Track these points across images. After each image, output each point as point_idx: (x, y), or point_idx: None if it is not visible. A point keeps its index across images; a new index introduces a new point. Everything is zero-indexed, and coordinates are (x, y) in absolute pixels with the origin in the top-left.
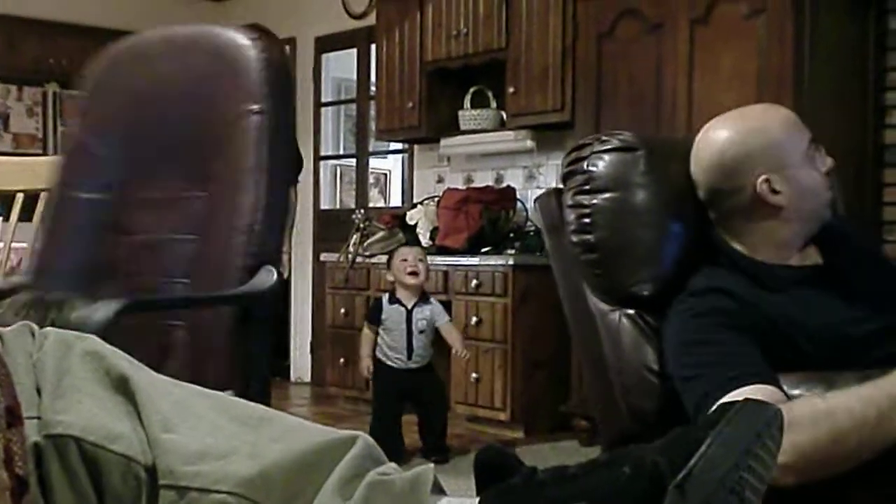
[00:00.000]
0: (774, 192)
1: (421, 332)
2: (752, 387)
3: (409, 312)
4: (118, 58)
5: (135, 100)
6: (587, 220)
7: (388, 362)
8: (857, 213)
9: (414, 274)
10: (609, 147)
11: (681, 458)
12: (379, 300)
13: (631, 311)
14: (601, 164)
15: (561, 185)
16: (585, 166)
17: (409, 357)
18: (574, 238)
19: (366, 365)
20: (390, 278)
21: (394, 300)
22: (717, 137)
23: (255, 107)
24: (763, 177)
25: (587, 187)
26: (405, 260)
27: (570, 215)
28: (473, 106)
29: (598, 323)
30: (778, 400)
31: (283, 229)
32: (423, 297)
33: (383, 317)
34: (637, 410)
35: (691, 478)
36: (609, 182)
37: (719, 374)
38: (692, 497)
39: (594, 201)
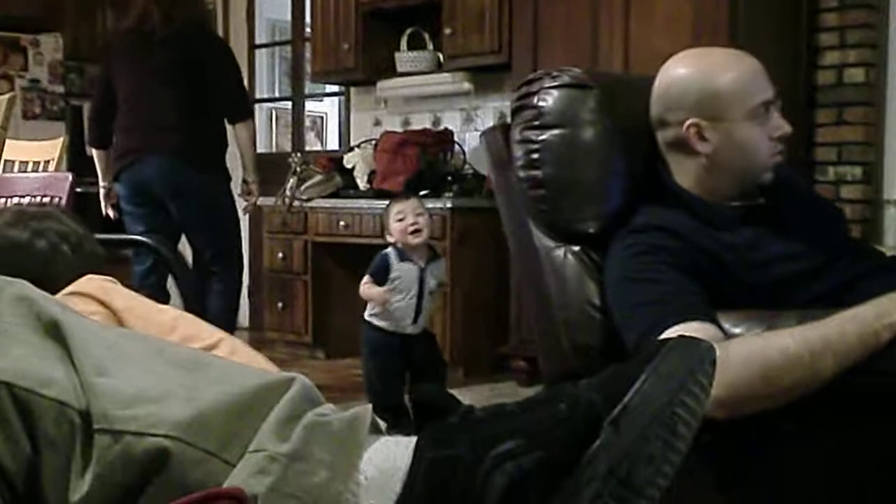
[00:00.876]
0: (702, 138)
1: (430, 292)
2: (690, 324)
3: (423, 271)
4: None
5: None
6: (535, 156)
7: (390, 328)
8: (790, 155)
9: (418, 232)
10: (559, 83)
11: (616, 395)
12: (385, 257)
13: (576, 248)
14: (550, 100)
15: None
16: (535, 101)
17: (415, 321)
18: (521, 174)
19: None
20: (390, 238)
21: (405, 257)
22: (670, 70)
23: None
24: (692, 120)
25: (536, 123)
26: (402, 219)
27: (518, 151)
28: (410, 48)
29: (542, 259)
30: (715, 337)
31: None
32: (434, 253)
33: (392, 276)
34: (580, 346)
35: (626, 413)
36: (558, 118)
37: (659, 312)
38: (627, 432)
39: (542, 137)
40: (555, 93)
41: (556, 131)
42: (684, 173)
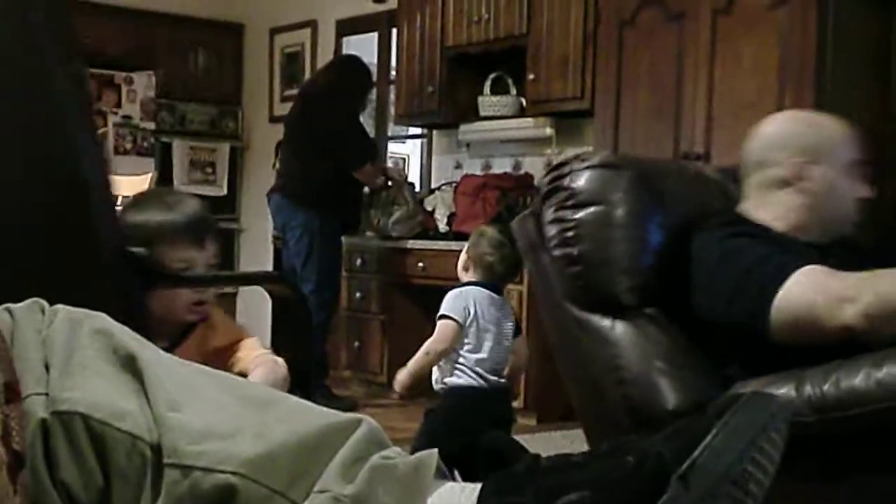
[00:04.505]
0: (803, 178)
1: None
2: (805, 268)
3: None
4: None
5: None
6: (570, 234)
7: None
8: (878, 205)
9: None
10: (591, 164)
11: (685, 449)
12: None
13: (624, 316)
14: (583, 180)
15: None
16: (567, 182)
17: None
18: (556, 252)
19: None
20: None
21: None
22: (776, 117)
23: None
24: (798, 159)
25: (570, 202)
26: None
27: (552, 230)
28: (493, 92)
29: (583, 330)
30: (837, 276)
31: None
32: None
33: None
34: (636, 403)
35: (695, 469)
36: (591, 196)
37: (769, 269)
38: (695, 488)
39: (577, 216)
40: (586, 173)
41: (590, 209)
42: (773, 210)
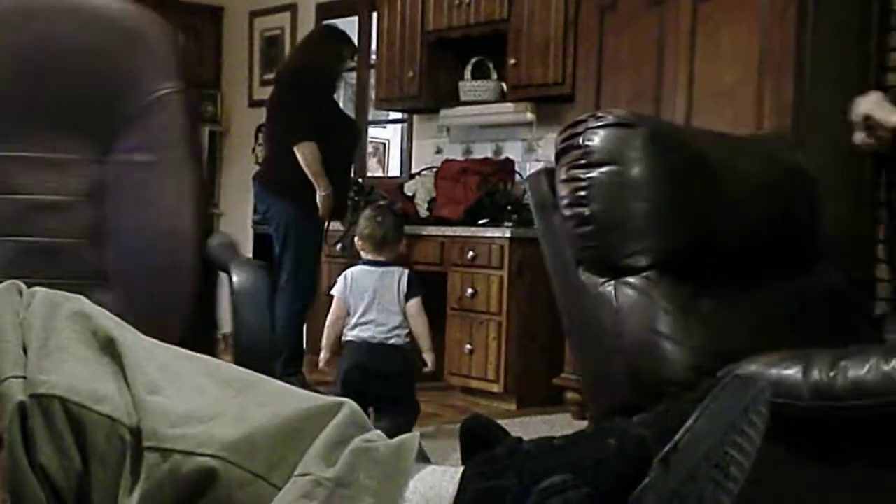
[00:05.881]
0: None
1: None
2: None
3: None
4: None
5: (5, 58)
6: (582, 194)
7: None
8: (854, 195)
9: None
10: (605, 123)
11: (666, 432)
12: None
13: (630, 280)
14: (597, 139)
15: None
16: (581, 141)
17: None
18: (567, 212)
19: None
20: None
21: None
22: None
23: (172, 86)
24: None
25: (583, 161)
26: None
27: (564, 190)
28: (474, 77)
29: (591, 294)
30: None
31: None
32: None
33: None
34: (637, 372)
35: (676, 452)
36: (605, 156)
37: None
38: (676, 471)
39: (590, 175)
40: (601, 132)
41: (603, 169)
42: None
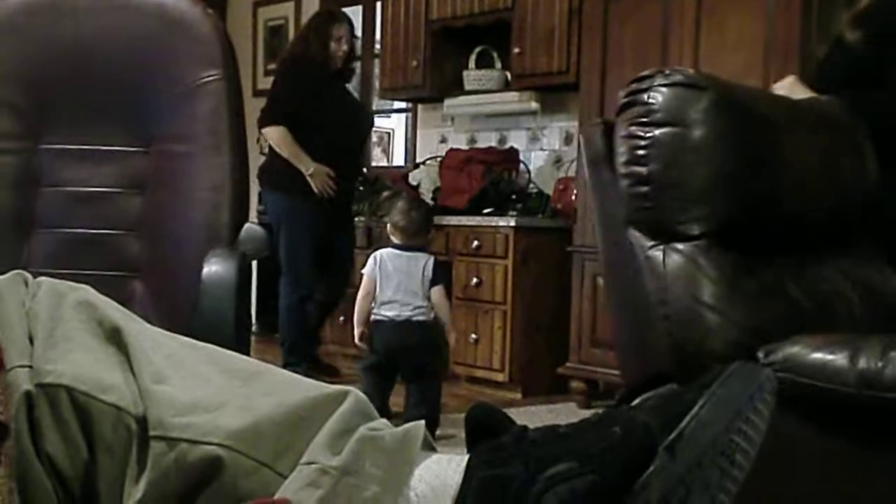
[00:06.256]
0: None
1: None
2: None
3: None
4: (25, 7)
5: (51, 49)
6: (641, 153)
7: None
8: None
9: None
10: (672, 81)
11: (672, 420)
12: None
13: (679, 246)
14: (661, 98)
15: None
16: (645, 98)
17: None
18: (623, 170)
19: None
20: None
21: None
22: None
23: (216, 73)
24: None
25: (645, 119)
26: None
27: (622, 147)
28: (478, 66)
29: (638, 257)
30: None
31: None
32: None
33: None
34: (679, 342)
35: (682, 439)
36: (668, 116)
37: None
38: (682, 458)
39: (651, 134)
40: (666, 91)
41: (665, 129)
42: None
